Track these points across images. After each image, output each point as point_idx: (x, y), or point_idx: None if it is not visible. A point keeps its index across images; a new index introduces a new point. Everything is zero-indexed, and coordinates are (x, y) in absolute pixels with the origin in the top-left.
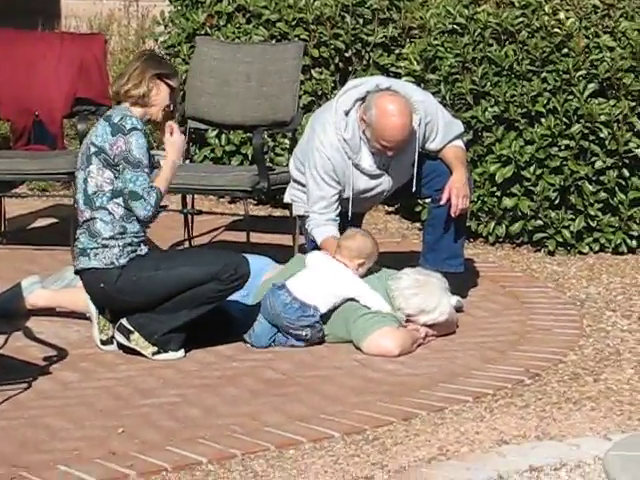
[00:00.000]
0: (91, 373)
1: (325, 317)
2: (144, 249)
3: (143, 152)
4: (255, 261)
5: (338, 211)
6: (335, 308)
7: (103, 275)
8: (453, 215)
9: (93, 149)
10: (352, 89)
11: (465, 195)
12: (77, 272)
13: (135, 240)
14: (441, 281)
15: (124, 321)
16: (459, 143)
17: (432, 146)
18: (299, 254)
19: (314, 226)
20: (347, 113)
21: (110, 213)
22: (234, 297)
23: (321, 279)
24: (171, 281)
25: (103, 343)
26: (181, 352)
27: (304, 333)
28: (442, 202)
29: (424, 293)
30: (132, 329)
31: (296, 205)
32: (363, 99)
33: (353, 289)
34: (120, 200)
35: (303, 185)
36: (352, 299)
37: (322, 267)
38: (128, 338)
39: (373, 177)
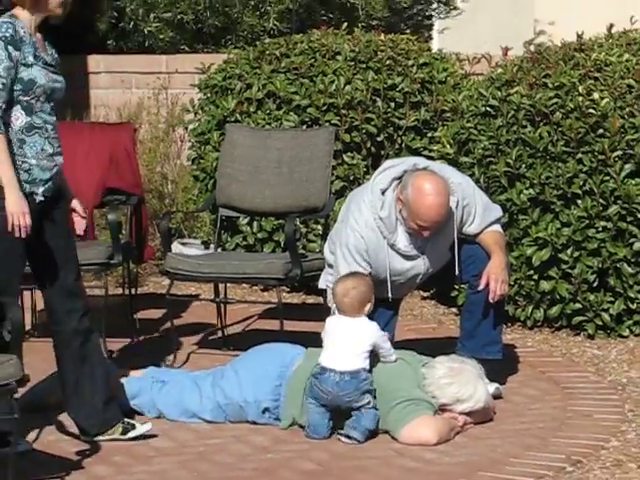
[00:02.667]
0: (124, 467)
1: None
2: None
3: None
4: (288, 350)
5: None
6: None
7: None
8: (492, 301)
9: None
10: (389, 168)
11: (504, 280)
12: None
13: None
14: (476, 368)
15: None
16: (497, 228)
17: (470, 230)
18: (308, 349)
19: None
20: (384, 192)
21: None
22: (268, 387)
23: (346, 341)
24: None
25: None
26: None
27: (367, 400)
28: (480, 287)
29: (459, 382)
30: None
31: (330, 291)
32: (400, 178)
33: (370, 338)
34: None
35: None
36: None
37: (338, 330)
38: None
39: (409, 258)
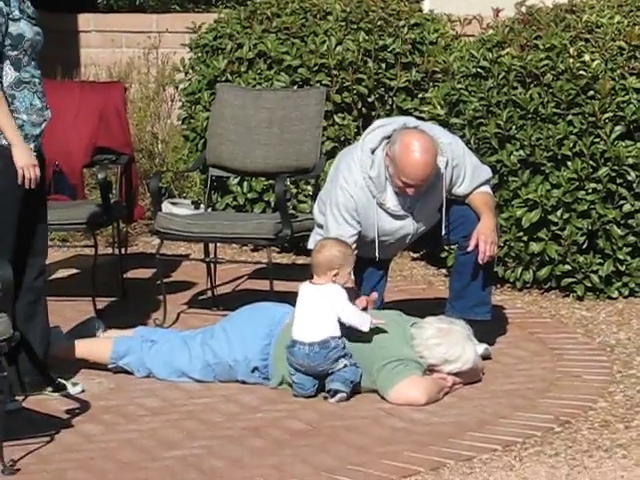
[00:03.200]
0: (114, 425)
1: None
2: None
3: None
4: (277, 309)
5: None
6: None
7: None
8: (481, 262)
9: None
10: (379, 128)
11: (493, 242)
12: None
13: None
14: (465, 329)
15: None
16: (487, 189)
17: (459, 191)
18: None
19: None
20: (373, 151)
21: None
22: (257, 347)
23: (312, 310)
24: None
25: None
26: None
27: (342, 365)
28: (470, 249)
29: (447, 343)
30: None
31: None
32: (389, 137)
33: (334, 308)
34: None
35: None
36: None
37: (306, 299)
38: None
39: (397, 218)
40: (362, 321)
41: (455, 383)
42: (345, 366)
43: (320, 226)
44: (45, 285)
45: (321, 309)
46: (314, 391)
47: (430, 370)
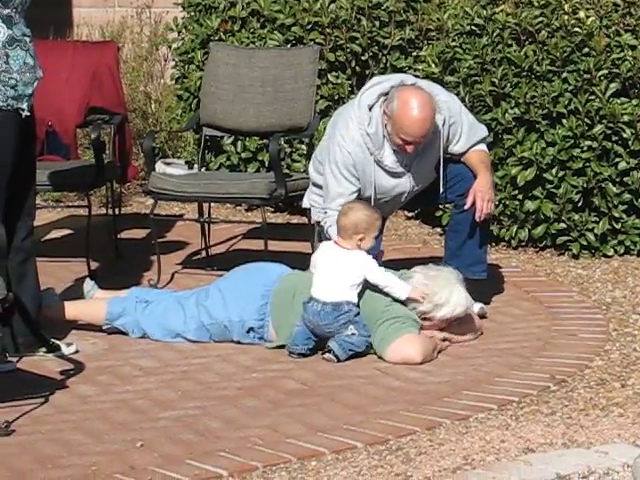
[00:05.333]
0: (109, 386)
1: None
2: None
3: None
4: (273, 269)
5: None
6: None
7: None
8: (478, 220)
9: None
10: (376, 85)
11: (490, 199)
12: None
13: None
14: (453, 274)
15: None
16: (483, 147)
17: (456, 149)
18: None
19: (331, 223)
20: (371, 108)
21: None
22: (252, 307)
23: (335, 272)
24: None
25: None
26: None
27: (349, 332)
28: (467, 206)
29: (435, 287)
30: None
31: (315, 210)
32: (387, 94)
33: (362, 271)
34: None
35: (322, 188)
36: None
37: (329, 260)
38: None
39: (394, 175)
40: (401, 289)
41: (448, 339)
42: (353, 334)
43: (315, 185)
44: (34, 246)
45: (343, 274)
46: (304, 350)
47: (423, 319)
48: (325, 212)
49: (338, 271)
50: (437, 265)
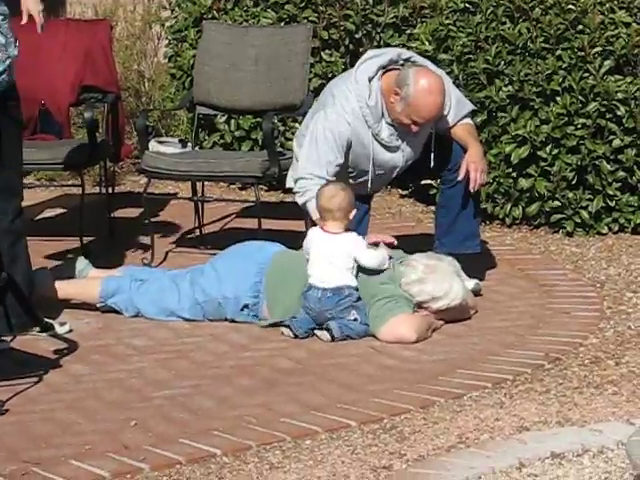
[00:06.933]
0: (102, 365)
1: None
2: None
3: None
4: (267, 247)
5: None
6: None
7: None
8: (472, 190)
9: None
10: (373, 57)
11: (483, 170)
12: None
13: None
14: (452, 265)
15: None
16: (469, 120)
17: (444, 123)
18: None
19: (311, 197)
20: (370, 80)
21: None
22: (247, 284)
23: (328, 259)
24: None
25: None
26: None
27: (352, 317)
28: (460, 177)
29: (434, 279)
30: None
31: (292, 180)
32: (385, 67)
33: (353, 254)
34: None
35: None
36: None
37: (321, 247)
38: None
39: (389, 149)
40: (380, 261)
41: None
42: (355, 320)
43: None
44: (24, 226)
45: (337, 259)
46: (303, 334)
47: (419, 307)
48: (309, 179)
49: (332, 257)
50: (437, 254)
